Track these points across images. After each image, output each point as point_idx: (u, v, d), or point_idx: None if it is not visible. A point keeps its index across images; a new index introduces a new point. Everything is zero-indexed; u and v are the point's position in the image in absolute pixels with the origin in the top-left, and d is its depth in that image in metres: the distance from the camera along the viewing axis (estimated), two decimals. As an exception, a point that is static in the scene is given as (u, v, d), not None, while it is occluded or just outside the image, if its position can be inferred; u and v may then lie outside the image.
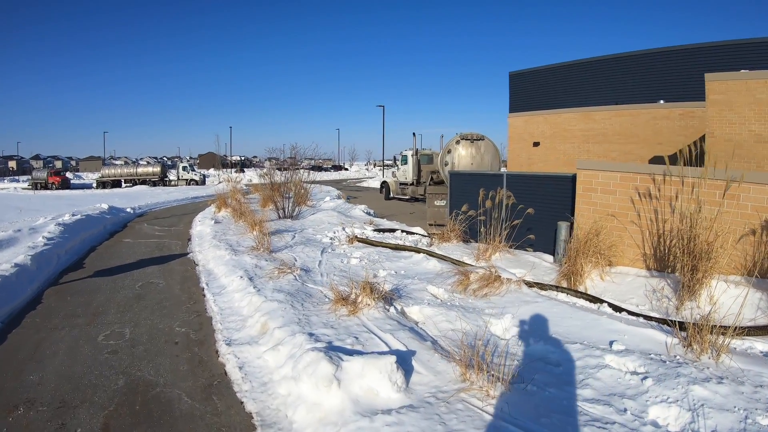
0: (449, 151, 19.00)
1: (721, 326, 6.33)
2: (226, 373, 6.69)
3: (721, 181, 9.30)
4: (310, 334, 6.92)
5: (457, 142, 19.08)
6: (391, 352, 6.04)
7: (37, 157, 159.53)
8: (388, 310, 7.84)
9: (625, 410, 5.05)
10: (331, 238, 15.02)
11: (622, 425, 4.79)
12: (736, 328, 6.35)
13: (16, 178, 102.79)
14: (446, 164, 18.89)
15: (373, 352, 6.01)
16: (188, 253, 15.04)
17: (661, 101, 23.40)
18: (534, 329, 7.01)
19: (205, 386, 6.33)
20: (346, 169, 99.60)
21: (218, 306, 9.43)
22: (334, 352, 5.92)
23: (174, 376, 6.63)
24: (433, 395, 5.28)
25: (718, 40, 22.34)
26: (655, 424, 4.87)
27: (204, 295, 10.35)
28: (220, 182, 65.36)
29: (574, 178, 11.82)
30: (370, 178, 75.04)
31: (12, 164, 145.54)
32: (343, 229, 16.37)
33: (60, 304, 10.01)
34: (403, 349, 6.23)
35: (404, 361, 5.75)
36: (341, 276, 10.48)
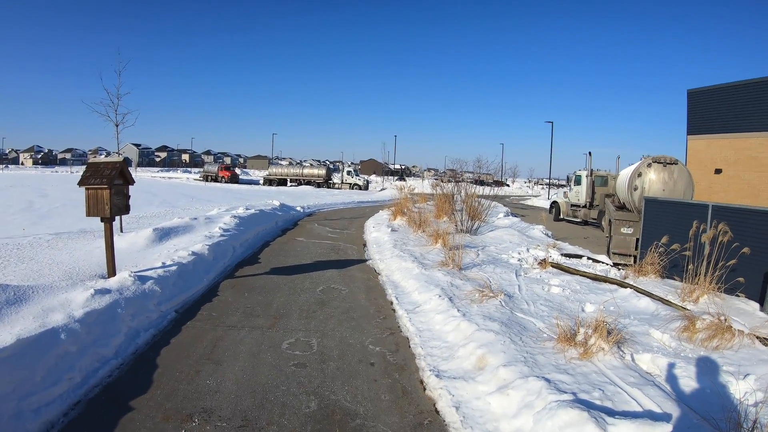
0: (639, 175, 17.91)
1: None
2: (438, 412, 6.06)
3: None
4: (547, 380, 6.17)
5: (649, 165, 17.96)
6: (651, 414, 5.45)
7: (208, 152, 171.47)
8: (624, 357, 7.23)
9: None
10: (518, 260, 14.60)
11: None
12: None
13: (188, 169, 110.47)
14: (635, 188, 17.82)
15: (635, 414, 5.39)
16: (367, 260, 15.02)
17: None
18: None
19: (415, 425, 5.71)
20: (508, 185, 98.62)
21: (415, 326, 8.95)
22: (595, 411, 5.30)
23: (375, 406, 6.07)
24: None
25: None
26: None
27: (394, 310, 10.09)
28: (383, 189, 66.83)
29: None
30: (535, 196, 73.65)
31: (185, 157, 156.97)
32: (528, 250, 15.97)
33: (237, 300, 10.07)
34: (658, 411, 5.57)
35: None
36: (548, 306, 9.97)
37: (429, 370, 7.04)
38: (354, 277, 12.67)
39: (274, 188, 60.64)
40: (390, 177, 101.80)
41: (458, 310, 9.31)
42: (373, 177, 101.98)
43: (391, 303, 10.57)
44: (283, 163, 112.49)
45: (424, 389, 6.66)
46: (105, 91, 17.99)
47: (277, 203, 26.45)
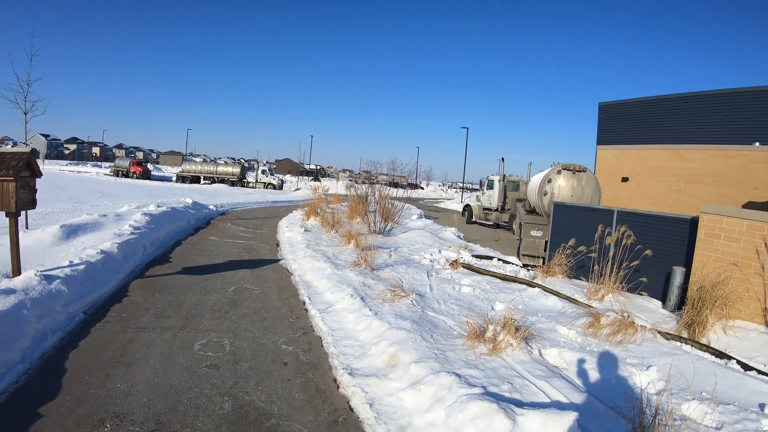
0: (549, 181, 18.55)
1: None
2: (352, 409, 6.07)
3: None
4: (457, 375, 6.33)
5: (558, 172, 18.62)
6: (558, 404, 5.64)
7: (120, 146, 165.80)
8: (531, 352, 7.47)
9: None
10: (430, 260, 14.82)
11: None
12: None
13: (99, 164, 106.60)
14: (545, 194, 18.43)
15: (543, 405, 5.58)
16: (280, 260, 14.90)
17: (757, 143, 22.48)
18: (682, 385, 6.60)
19: (329, 423, 5.72)
20: (422, 188, 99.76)
21: (327, 325, 8.95)
22: (504, 403, 5.42)
23: (290, 405, 6.01)
24: None
25: None
26: None
27: (307, 310, 10.03)
28: (297, 189, 66.35)
29: (692, 221, 11.52)
30: (449, 199, 74.99)
31: (96, 150, 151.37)
32: (440, 251, 16.25)
33: (148, 300, 9.76)
34: (565, 401, 5.80)
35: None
36: (458, 305, 10.20)
37: (342, 369, 7.06)
38: (267, 277, 12.53)
39: (187, 186, 59.08)
40: (305, 177, 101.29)
41: (370, 310, 9.38)
42: (288, 177, 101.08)
43: (304, 303, 10.49)
44: (197, 160, 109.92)
45: (338, 387, 6.67)
46: (15, 75, 17.08)
47: (189, 201, 25.84)
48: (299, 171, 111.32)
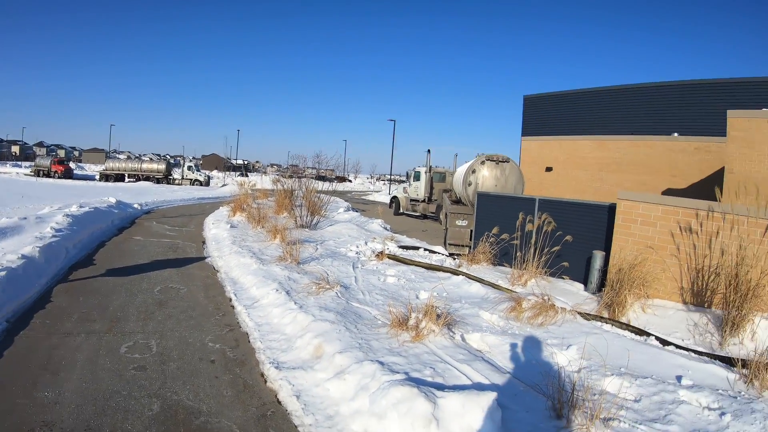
0: (473, 171, 18.83)
1: None
2: (280, 402, 6.07)
3: (764, 220, 9.51)
4: (381, 363, 6.40)
5: (482, 163, 18.93)
6: (479, 386, 5.74)
7: (41, 144, 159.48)
8: (454, 337, 7.58)
9: None
10: (356, 253, 14.81)
11: None
12: None
13: (19, 163, 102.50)
14: (469, 184, 18.72)
15: (464, 387, 5.67)
16: (206, 258, 14.65)
17: (676, 134, 23.49)
18: (601, 362, 6.83)
19: (258, 417, 5.72)
20: (350, 181, 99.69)
21: (253, 321, 8.86)
22: (425, 387, 5.48)
23: (218, 402, 5.97)
24: None
25: (738, 76, 22.50)
26: None
27: (233, 307, 9.91)
28: (224, 184, 65.20)
29: (611, 207, 11.85)
30: (376, 191, 75.15)
31: (15, 149, 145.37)
32: (366, 243, 16.20)
33: (72, 305, 9.44)
34: (486, 382, 5.93)
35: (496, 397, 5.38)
36: (383, 295, 10.23)
37: (269, 363, 7.02)
38: (193, 276, 12.32)
39: (111, 184, 57.29)
40: (232, 172, 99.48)
41: (295, 303, 9.32)
42: (215, 172, 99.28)
43: (230, 299, 10.36)
44: (122, 157, 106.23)
45: (266, 382, 6.63)
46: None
47: (113, 201, 25.11)
48: (226, 166, 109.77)
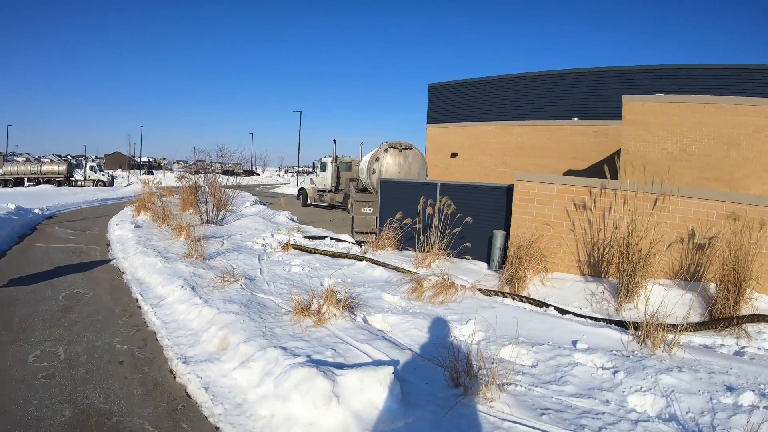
0: (377, 159, 19.14)
1: (669, 324, 7.15)
2: (189, 396, 6.10)
3: (652, 195, 10.22)
4: (284, 348, 6.50)
5: (386, 151, 19.25)
6: (378, 362, 5.89)
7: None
8: (355, 319, 7.72)
9: (608, 401, 5.52)
10: (263, 245, 14.70)
11: (610, 414, 5.26)
12: (685, 325, 7.33)
13: None
14: (373, 172, 19.03)
15: (364, 364, 5.80)
16: (111, 260, 14.29)
17: (575, 118, 24.58)
18: (500, 332, 7.14)
19: (169, 412, 5.74)
20: (258, 175, 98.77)
21: (160, 319, 8.72)
22: (324, 366, 5.60)
23: (129, 402, 5.91)
24: (431, 402, 5.26)
25: (633, 64, 23.88)
26: (637, 411, 5.39)
27: (140, 307, 9.72)
28: (129, 184, 63.16)
29: (509, 188, 12.29)
30: (284, 184, 74.88)
31: None
32: (272, 235, 16.06)
33: None
34: (386, 359, 6.08)
35: (395, 371, 5.53)
36: (287, 284, 10.26)
37: (177, 359, 7.00)
38: (98, 279, 12.02)
39: (9, 189, 54.35)
40: (137, 171, 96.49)
41: (200, 298, 9.23)
42: (119, 171, 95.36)
43: (137, 300, 10.16)
44: (20, 159, 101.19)
45: (174, 377, 6.63)
46: None
47: (12, 207, 24.04)
48: (131, 165, 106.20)
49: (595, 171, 21.12)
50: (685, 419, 5.20)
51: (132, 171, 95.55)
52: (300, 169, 79.82)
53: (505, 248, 11.58)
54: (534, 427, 4.85)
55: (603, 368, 6.27)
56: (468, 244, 12.26)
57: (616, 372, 6.11)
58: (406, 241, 13.84)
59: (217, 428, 5.39)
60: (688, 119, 16.95)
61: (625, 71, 23.72)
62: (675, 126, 16.92)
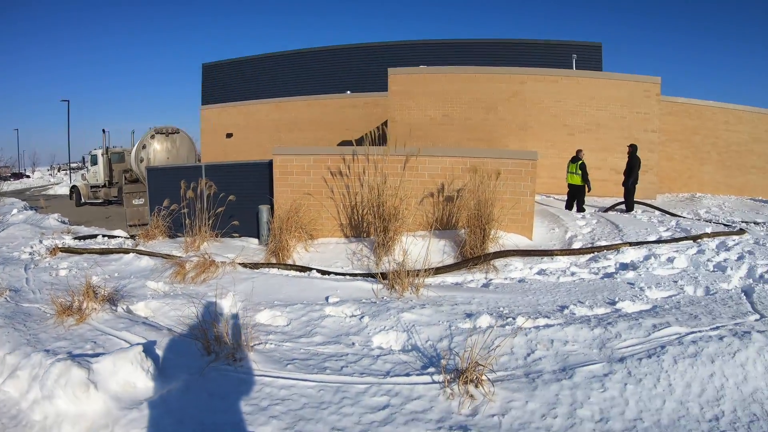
0: (144, 147, 18.85)
1: (415, 270, 8.18)
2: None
3: (402, 156, 11.44)
4: (47, 351, 6.48)
5: (152, 137, 19.01)
6: (135, 344, 6.30)
7: None
8: (116, 311, 7.92)
9: (353, 344, 6.30)
10: (30, 253, 13.97)
11: (354, 354, 6.01)
12: (427, 270, 8.30)
13: None
14: (141, 160, 18.71)
15: (121, 350, 6.16)
16: None
17: (348, 92, 25.92)
18: (257, 300, 7.84)
19: None
20: (28, 177, 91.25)
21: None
22: (81, 357, 5.76)
23: None
24: (184, 372, 5.68)
25: (396, 40, 25.51)
26: (381, 348, 6.21)
27: None
28: None
29: (270, 164, 12.85)
30: (57, 184, 69.15)
31: None
32: (41, 241, 15.36)
33: None
34: (143, 341, 6.34)
35: (150, 350, 5.93)
36: (54, 289, 9.94)
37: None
38: None
39: None
40: None
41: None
42: None
43: None
44: None
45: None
46: None
47: None
48: None
49: (368, 140, 22.51)
50: (425, 347, 6.10)
51: None
52: (73, 165, 74.83)
53: (271, 222, 12.11)
54: (278, 377, 5.46)
55: (352, 316, 7.11)
56: (236, 222, 12.64)
57: (362, 317, 6.94)
58: (178, 228, 13.85)
59: (-5, 443, 5.42)
60: (449, 88, 18.96)
61: (394, 45, 25.46)
62: (437, 95, 18.94)
